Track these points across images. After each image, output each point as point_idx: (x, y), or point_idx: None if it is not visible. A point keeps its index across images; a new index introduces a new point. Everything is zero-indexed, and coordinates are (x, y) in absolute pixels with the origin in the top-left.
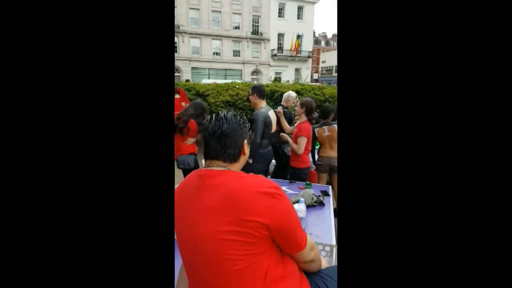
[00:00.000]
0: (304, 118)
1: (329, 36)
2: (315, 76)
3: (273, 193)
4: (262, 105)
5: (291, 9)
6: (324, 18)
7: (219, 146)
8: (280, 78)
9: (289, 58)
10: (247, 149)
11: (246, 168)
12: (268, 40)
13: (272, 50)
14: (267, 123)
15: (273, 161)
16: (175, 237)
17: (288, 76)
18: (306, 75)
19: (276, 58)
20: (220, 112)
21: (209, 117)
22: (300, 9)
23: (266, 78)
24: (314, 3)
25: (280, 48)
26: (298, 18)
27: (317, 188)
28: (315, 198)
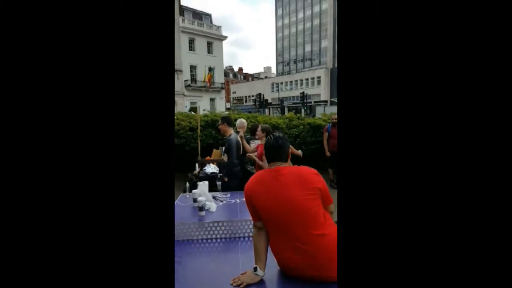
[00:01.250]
0: (265, 140)
1: (236, 69)
2: (227, 105)
3: (317, 173)
4: (231, 132)
5: (201, 44)
6: (230, 53)
7: (277, 153)
8: (196, 107)
9: (203, 89)
10: (290, 154)
11: (223, 186)
12: (181, 71)
13: (185, 81)
14: (238, 146)
15: None
16: (259, 209)
17: (204, 105)
18: (221, 105)
19: (190, 88)
20: (275, 133)
21: (269, 136)
22: (209, 44)
23: (182, 107)
24: (222, 40)
25: (193, 79)
26: (209, 52)
27: None
28: None
